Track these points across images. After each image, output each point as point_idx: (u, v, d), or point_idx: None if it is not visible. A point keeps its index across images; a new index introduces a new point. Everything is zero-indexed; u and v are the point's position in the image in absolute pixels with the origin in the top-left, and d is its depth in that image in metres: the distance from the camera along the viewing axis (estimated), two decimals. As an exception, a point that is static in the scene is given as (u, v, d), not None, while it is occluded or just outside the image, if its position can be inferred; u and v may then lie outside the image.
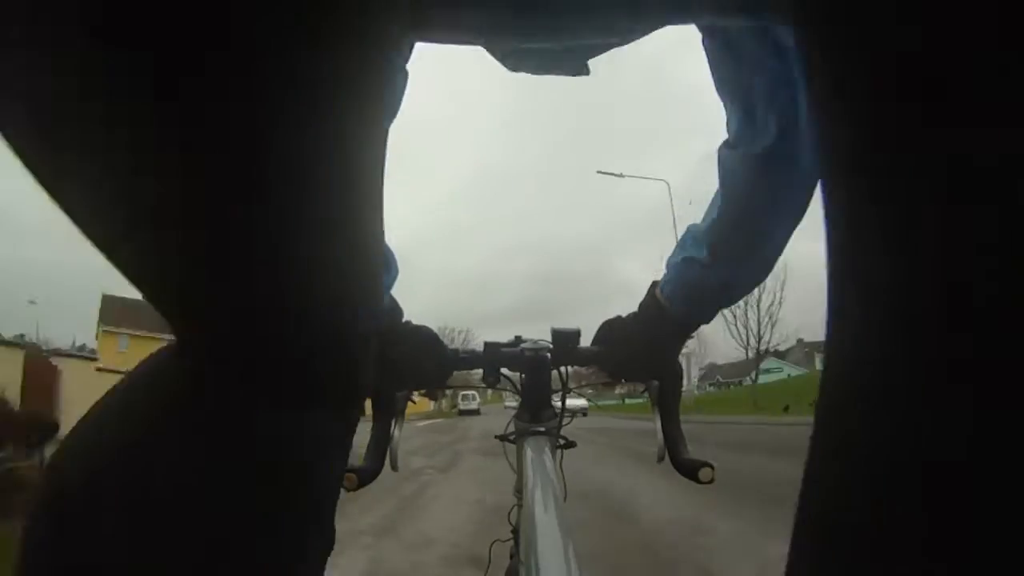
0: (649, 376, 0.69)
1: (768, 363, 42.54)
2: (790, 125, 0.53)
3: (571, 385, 0.72)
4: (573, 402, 0.72)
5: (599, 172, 16.89)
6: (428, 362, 0.67)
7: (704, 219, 0.63)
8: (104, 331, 27.77)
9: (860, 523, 0.20)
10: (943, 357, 0.18)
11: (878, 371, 0.20)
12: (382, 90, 0.31)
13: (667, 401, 0.69)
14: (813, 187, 0.56)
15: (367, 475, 0.63)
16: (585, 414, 17.95)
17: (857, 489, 0.20)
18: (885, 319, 0.19)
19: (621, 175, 16.00)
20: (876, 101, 0.19)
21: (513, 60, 0.52)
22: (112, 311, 27.74)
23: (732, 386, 20.18)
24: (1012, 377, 0.16)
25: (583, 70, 0.53)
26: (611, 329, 0.71)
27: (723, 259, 0.61)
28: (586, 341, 0.70)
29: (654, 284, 0.69)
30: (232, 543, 0.30)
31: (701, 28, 0.53)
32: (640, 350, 0.69)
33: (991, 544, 0.17)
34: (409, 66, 0.52)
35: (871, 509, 0.20)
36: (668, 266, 0.67)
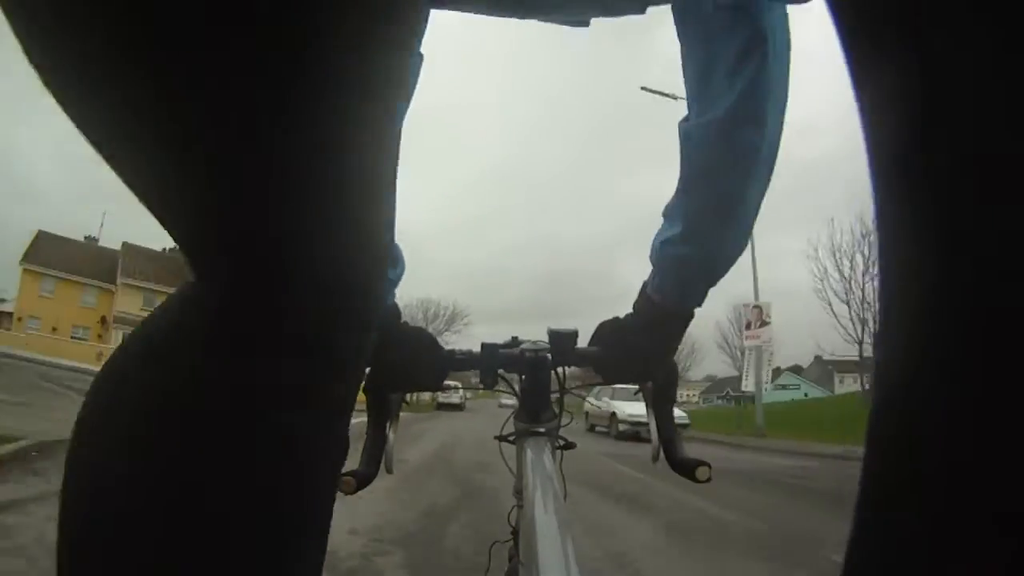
0: (644, 377, 0.70)
1: (785, 378, 42.05)
2: (754, 88, 0.54)
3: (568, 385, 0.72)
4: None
5: (643, 88, 14.05)
6: (425, 365, 0.67)
7: (673, 197, 0.63)
8: (27, 270, 25.92)
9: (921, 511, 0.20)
10: (990, 354, 0.18)
11: (932, 366, 0.20)
12: (402, 70, 0.31)
13: (661, 401, 0.69)
14: (776, 149, 0.57)
15: (364, 478, 0.63)
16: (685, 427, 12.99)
17: (916, 481, 0.21)
18: (937, 317, 0.20)
19: (674, 96, 12.23)
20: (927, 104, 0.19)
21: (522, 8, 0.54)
22: (43, 249, 25.93)
23: (743, 402, 19.17)
24: None
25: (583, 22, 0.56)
26: (607, 330, 0.71)
27: (698, 232, 0.61)
28: (583, 341, 0.71)
29: (644, 284, 0.69)
30: (230, 544, 0.30)
31: (676, 10, 0.55)
32: (636, 350, 0.69)
33: None
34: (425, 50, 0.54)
35: (932, 498, 0.20)
36: (652, 260, 0.67)
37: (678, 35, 0.58)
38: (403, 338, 0.66)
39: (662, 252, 0.64)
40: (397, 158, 0.34)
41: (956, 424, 0.19)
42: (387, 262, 0.40)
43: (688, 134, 0.60)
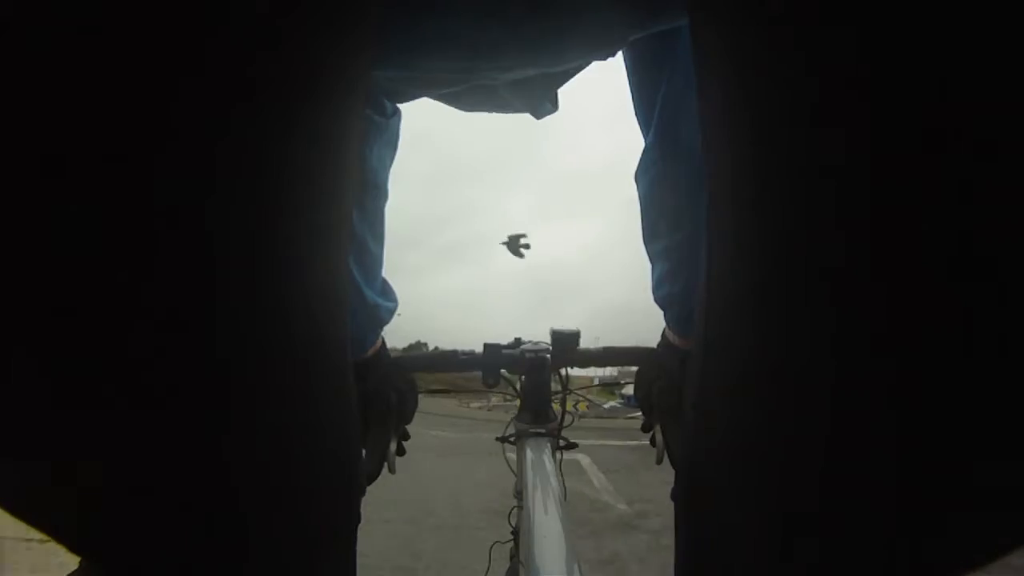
0: (649, 410, 0.69)
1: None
2: (673, 114, 0.53)
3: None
4: None
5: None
6: (409, 409, 0.68)
7: (646, 244, 0.63)
8: None
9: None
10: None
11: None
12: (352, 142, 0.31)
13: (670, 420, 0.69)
14: None
15: (367, 477, 0.63)
16: None
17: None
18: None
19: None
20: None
21: (467, 100, 0.52)
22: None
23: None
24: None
25: (543, 110, 0.54)
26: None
27: (676, 269, 0.60)
28: (585, 342, 0.71)
29: (663, 333, 0.68)
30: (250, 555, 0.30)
31: (626, 56, 0.54)
32: (642, 380, 0.68)
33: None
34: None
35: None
36: (659, 303, 0.66)
37: (628, 78, 0.57)
38: (388, 377, 0.66)
39: (656, 294, 0.64)
40: (382, 219, 0.34)
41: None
42: (377, 317, 0.42)
43: (636, 178, 0.60)
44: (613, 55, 0.46)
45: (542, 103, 0.54)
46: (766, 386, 0.24)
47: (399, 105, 0.57)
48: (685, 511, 0.37)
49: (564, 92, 0.54)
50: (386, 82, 0.48)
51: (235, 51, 0.22)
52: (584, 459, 5.70)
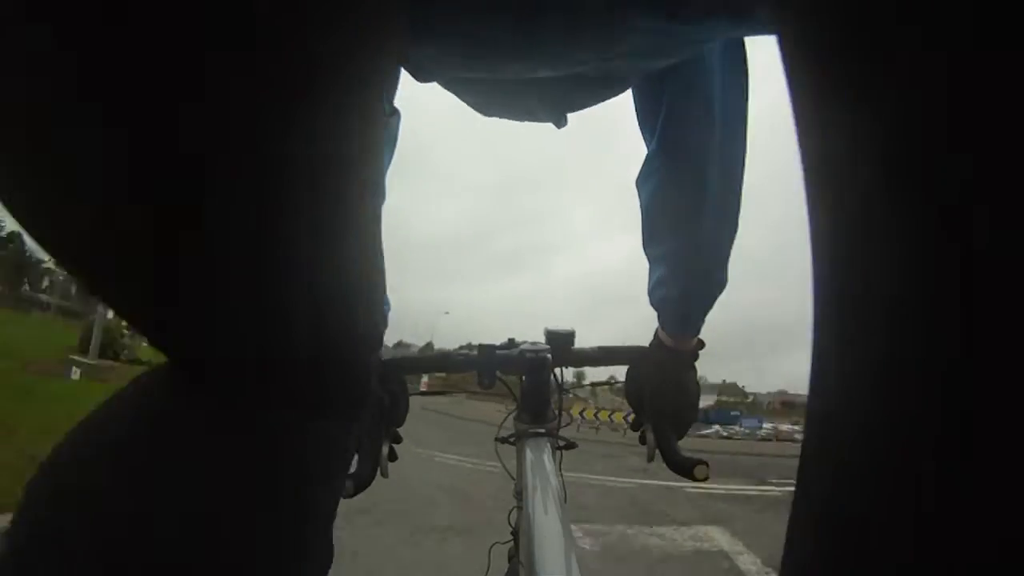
0: (640, 408, 0.70)
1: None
2: (679, 121, 0.54)
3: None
4: None
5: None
6: (401, 408, 0.69)
7: (645, 247, 0.64)
8: None
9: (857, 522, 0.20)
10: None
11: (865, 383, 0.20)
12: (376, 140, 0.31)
13: (661, 423, 0.69)
14: (735, 179, 0.57)
15: (361, 482, 0.64)
16: None
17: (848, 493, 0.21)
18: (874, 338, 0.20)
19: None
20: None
21: (485, 104, 0.52)
22: None
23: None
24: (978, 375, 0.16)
25: (561, 120, 0.54)
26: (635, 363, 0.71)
27: (673, 274, 0.61)
28: (581, 342, 0.71)
29: (655, 333, 0.68)
30: (231, 551, 0.30)
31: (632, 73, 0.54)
32: (632, 382, 0.70)
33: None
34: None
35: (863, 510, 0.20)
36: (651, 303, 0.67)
37: (633, 95, 0.58)
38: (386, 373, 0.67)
39: (652, 297, 0.65)
40: (379, 220, 0.33)
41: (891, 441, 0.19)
42: (382, 316, 0.41)
43: (637, 184, 0.61)
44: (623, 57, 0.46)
45: (564, 115, 0.54)
46: None
47: (399, 107, 0.56)
48: None
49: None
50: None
51: (234, 47, 0.22)
52: (720, 535, 3.52)
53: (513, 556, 0.66)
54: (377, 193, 0.59)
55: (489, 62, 0.43)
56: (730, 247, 0.60)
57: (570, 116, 0.55)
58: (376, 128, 0.29)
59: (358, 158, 0.29)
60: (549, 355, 0.67)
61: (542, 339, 0.70)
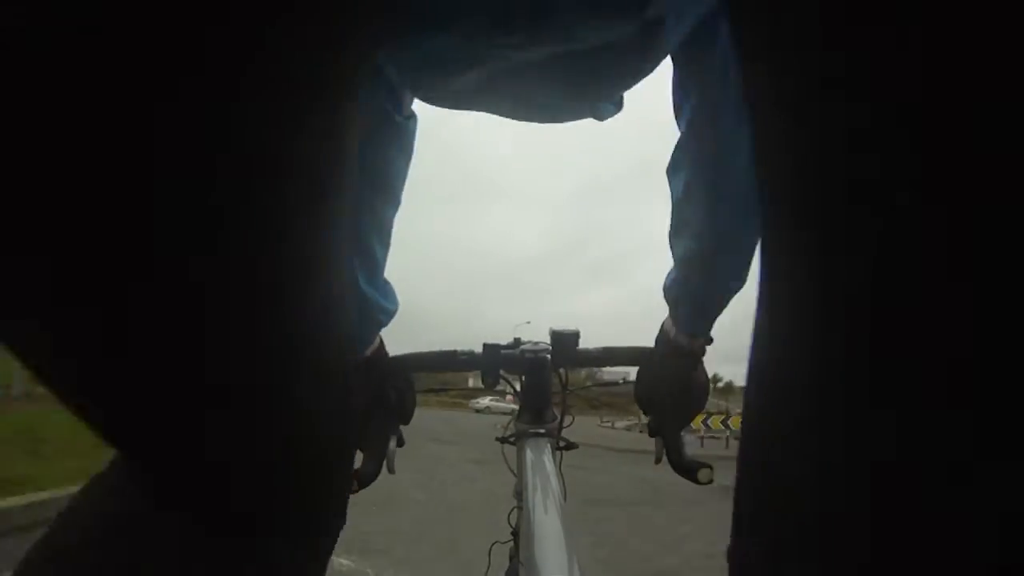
0: (646, 403, 0.69)
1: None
2: (699, 121, 0.53)
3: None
4: None
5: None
6: (407, 407, 0.69)
7: (672, 235, 0.62)
8: None
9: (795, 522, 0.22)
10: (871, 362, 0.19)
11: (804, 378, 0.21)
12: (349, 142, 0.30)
13: (670, 423, 0.69)
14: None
15: (366, 477, 0.63)
16: None
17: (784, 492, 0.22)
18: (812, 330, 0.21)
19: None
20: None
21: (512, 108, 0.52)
22: None
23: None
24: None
25: (599, 110, 0.54)
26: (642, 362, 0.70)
27: (690, 268, 0.60)
28: (585, 342, 0.71)
29: (662, 329, 0.67)
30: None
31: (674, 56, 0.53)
32: (641, 381, 0.69)
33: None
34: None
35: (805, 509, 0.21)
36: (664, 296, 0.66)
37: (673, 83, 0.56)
38: (388, 375, 0.67)
39: (668, 293, 0.64)
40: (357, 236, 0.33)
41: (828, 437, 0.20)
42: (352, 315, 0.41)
43: (668, 172, 0.60)
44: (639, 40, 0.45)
45: (593, 104, 0.53)
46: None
47: (414, 109, 0.56)
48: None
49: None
50: (398, 73, 0.47)
51: (231, 41, 0.21)
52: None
53: (513, 556, 0.66)
54: (390, 201, 0.59)
55: (501, 44, 0.42)
56: (753, 250, 0.58)
57: (622, 120, 0.53)
58: (335, 135, 0.28)
59: (356, 155, 0.29)
60: (549, 355, 0.67)
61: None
